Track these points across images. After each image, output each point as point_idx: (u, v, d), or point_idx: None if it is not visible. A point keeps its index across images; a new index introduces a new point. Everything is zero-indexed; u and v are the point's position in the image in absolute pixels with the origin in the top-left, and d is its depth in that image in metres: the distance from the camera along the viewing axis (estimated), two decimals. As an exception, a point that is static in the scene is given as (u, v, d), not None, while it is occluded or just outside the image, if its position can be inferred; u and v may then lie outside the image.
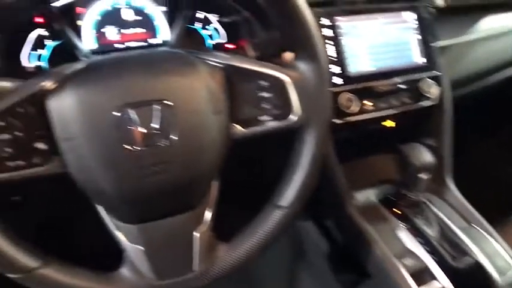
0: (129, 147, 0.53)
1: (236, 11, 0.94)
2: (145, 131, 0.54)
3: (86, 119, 0.53)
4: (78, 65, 0.59)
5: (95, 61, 0.61)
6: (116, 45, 0.95)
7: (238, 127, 0.62)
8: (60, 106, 0.53)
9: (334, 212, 1.08)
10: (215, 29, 1.00)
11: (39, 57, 0.90)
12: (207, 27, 1.00)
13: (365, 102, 0.94)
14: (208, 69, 0.60)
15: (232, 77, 0.61)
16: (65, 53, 0.89)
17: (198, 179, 0.60)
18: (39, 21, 0.89)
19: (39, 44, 0.90)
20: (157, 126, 0.54)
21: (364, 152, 1.12)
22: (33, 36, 0.89)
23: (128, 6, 0.94)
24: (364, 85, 0.94)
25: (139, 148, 0.54)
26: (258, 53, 0.74)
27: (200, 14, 0.99)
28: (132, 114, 0.53)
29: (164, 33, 0.97)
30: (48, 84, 0.54)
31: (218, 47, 1.01)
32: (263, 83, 0.62)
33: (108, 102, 0.53)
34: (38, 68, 0.90)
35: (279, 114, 0.63)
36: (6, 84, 0.62)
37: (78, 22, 0.91)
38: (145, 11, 0.95)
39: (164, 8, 0.97)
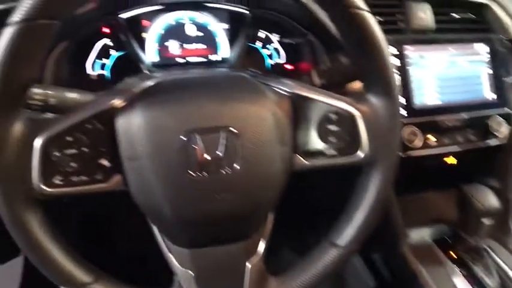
0: (192, 172, 0.53)
1: (300, 33, 0.92)
2: (209, 158, 0.53)
3: (152, 141, 0.52)
4: (147, 83, 0.59)
5: (164, 80, 0.61)
6: (177, 60, 0.95)
7: (301, 159, 0.59)
8: (128, 125, 0.53)
9: (385, 248, 1.02)
10: (275, 49, 0.99)
11: (103, 66, 0.92)
12: (267, 46, 0.98)
13: (428, 136, 0.89)
14: (275, 98, 0.57)
15: (299, 107, 0.59)
16: (127, 63, 0.91)
17: (256, 210, 0.57)
18: (106, 32, 0.91)
19: (103, 53, 0.92)
20: (221, 154, 0.53)
21: (421, 187, 1.06)
22: (99, 45, 0.91)
23: (191, 22, 0.95)
24: (428, 119, 0.89)
25: (202, 174, 0.53)
26: (324, 80, 0.71)
27: (261, 33, 0.98)
28: (199, 140, 0.52)
29: (224, 50, 0.97)
30: (118, 102, 0.55)
31: (277, 67, 0.99)
32: (331, 115, 0.59)
33: (176, 126, 0.52)
34: (101, 76, 0.92)
35: (346, 149, 0.59)
36: (75, 96, 0.63)
37: (143, 34, 0.93)
38: (208, 28, 0.95)
39: (226, 26, 0.97)
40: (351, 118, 0.59)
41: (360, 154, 0.59)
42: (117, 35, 0.90)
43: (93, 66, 0.92)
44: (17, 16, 0.45)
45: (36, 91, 0.60)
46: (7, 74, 0.46)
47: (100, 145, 0.53)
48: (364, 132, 0.59)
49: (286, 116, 0.57)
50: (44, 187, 0.51)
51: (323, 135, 0.59)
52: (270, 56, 0.99)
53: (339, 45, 0.84)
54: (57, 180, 0.52)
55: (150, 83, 0.58)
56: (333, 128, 0.59)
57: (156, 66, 0.93)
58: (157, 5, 0.93)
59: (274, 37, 0.98)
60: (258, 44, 0.98)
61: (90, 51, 0.91)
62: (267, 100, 0.56)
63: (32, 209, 0.51)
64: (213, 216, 0.54)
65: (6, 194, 0.49)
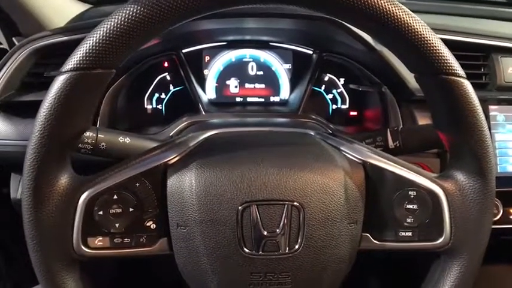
0: (246, 249, 0.47)
1: (369, 81, 0.85)
2: (267, 233, 0.47)
3: (205, 208, 0.47)
4: (203, 135, 0.55)
5: (223, 133, 0.56)
6: (236, 99, 0.91)
7: (371, 238, 0.52)
8: (179, 185, 0.48)
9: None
10: (340, 93, 0.92)
11: (160, 100, 0.90)
12: (332, 91, 0.92)
13: (509, 209, 0.78)
14: (347, 166, 0.51)
15: (373, 178, 0.51)
16: (184, 99, 0.88)
17: None
18: (166, 66, 0.89)
19: (161, 87, 0.90)
20: (280, 230, 0.47)
21: (495, 262, 0.94)
22: (158, 79, 0.89)
23: (253, 60, 0.91)
24: (511, 189, 0.78)
25: (257, 252, 0.47)
26: (398, 142, 0.63)
27: (326, 76, 0.92)
28: (257, 212, 0.47)
29: (285, 91, 0.92)
30: (171, 157, 0.50)
31: (340, 113, 0.93)
32: (410, 192, 0.51)
33: (233, 193, 0.47)
34: (157, 111, 0.90)
35: (424, 233, 0.52)
36: (127, 140, 0.60)
37: (204, 71, 0.90)
38: (271, 68, 0.91)
39: (289, 66, 0.91)
40: (434, 198, 0.50)
41: (441, 241, 0.51)
42: (177, 69, 0.88)
43: (151, 100, 0.90)
44: (71, 64, 0.42)
45: (87, 135, 0.57)
46: (58, 126, 0.43)
47: (148, 205, 0.49)
48: (448, 216, 0.50)
49: (358, 189, 0.50)
50: (84, 248, 0.48)
51: (399, 214, 0.51)
52: (334, 101, 0.93)
53: (415, 99, 0.76)
54: (99, 242, 0.48)
55: (207, 134, 0.54)
56: (411, 206, 0.51)
57: (213, 104, 0.90)
58: (220, 41, 0.90)
59: (340, 81, 0.92)
60: (322, 88, 0.92)
61: (149, 85, 0.89)
62: (337, 169, 0.50)
63: (69, 270, 0.48)
64: None
65: (44, 253, 0.46)
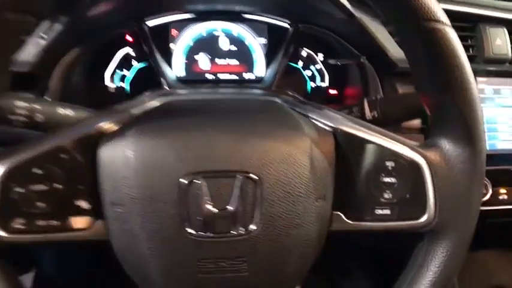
0: (191, 230, 0.40)
1: (350, 54, 0.79)
2: (217, 211, 0.40)
3: (143, 182, 0.40)
4: (151, 103, 0.47)
5: (172, 102, 0.49)
6: (206, 76, 0.84)
7: (344, 218, 0.46)
8: (113, 157, 0.41)
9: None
10: (319, 70, 0.86)
11: (123, 78, 0.82)
12: (310, 67, 0.86)
13: (499, 189, 0.73)
14: (315, 135, 0.44)
15: (345, 148, 0.45)
16: (149, 77, 0.81)
17: (276, 286, 0.44)
18: (129, 40, 0.81)
19: (125, 64, 0.82)
20: (234, 208, 0.40)
21: (482, 247, 0.89)
22: (120, 54, 0.82)
23: (225, 35, 0.84)
24: (501, 167, 0.73)
25: (205, 233, 0.40)
26: (375, 113, 0.56)
27: (304, 51, 0.85)
28: (204, 186, 0.40)
29: (260, 68, 0.85)
30: (106, 125, 0.43)
31: (319, 91, 0.86)
32: (388, 163, 0.44)
33: (175, 164, 0.40)
34: (120, 89, 0.83)
35: (405, 211, 0.45)
36: (68, 112, 0.53)
37: (171, 46, 0.82)
38: (244, 42, 0.84)
39: (264, 41, 0.85)
40: (415, 169, 0.44)
41: (424, 219, 0.45)
42: (141, 44, 0.80)
43: (113, 78, 0.82)
44: None
45: (20, 104, 0.49)
46: None
47: (78, 181, 0.41)
48: (432, 190, 0.44)
49: (327, 160, 0.43)
50: (1, 233, 0.40)
51: (375, 189, 0.45)
52: (312, 78, 0.86)
53: (397, 72, 0.70)
54: (18, 224, 0.40)
55: (154, 103, 0.47)
56: (389, 180, 0.44)
57: (181, 81, 0.83)
58: (188, 12, 0.82)
59: (319, 57, 0.85)
60: (300, 64, 0.85)
61: (109, 61, 0.82)
62: (302, 137, 0.43)
63: None
64: None
65: None
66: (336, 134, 0.45)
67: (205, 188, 0.39)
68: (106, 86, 0.82)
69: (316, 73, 0.86)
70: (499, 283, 0.86)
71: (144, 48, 0.79)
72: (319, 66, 0.86)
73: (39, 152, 0.40)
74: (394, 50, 0.70)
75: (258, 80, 0.85)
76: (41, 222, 0.41)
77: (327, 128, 0.45)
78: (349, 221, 0.45)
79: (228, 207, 0.40)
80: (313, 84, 0.86)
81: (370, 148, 0.44)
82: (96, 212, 0.42)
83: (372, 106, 0.57)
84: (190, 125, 0.42)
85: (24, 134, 0.50)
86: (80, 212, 0.42)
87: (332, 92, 0.87)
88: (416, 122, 0.68)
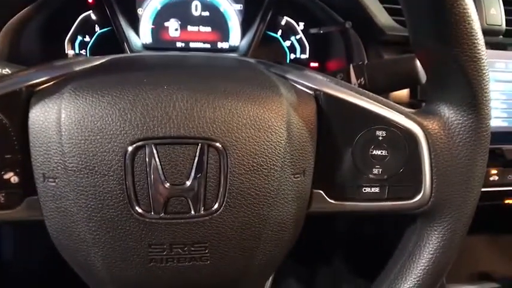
0: (140, 209, 0.33)
1: (333, 22, 0.72)
2: (170, 186, 0.33)
3: (78, 150, 0.33)
4: (96, 61, 0.40)
5: (120, 58, 0.42)
6: (176, 44, 0.76)
7: (326, 197, 0.39)
8: (46, 120, 0.33)
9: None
10: (299, 40, 0.79)
11: (84, 44, 0.75)
12: (289, 37, 0.79)
13: (489, 170, 0.68)
14: (294, 98, 0.37)
15: (329, 115, 0.38)
16: (112, 44, 0.73)
17: (245, 278, 0.38)
18: (90, 2, 0.73)
19: (85, 29, 0.74)
20: (192, 183, 0.33)
21: (469, 233, 0.85)
22: (80, 18, 0.73)
23: (198, -1, 0.76)
24: (491, 147, 0.68)
25: (156, 214, 0.33)
26: (362, 80, 0.50)
27: (283, 20, 0.78)
28: (156, 157, 0.33)
29: (235, 37, 0.78)
30: (38, 81, 0.35)
31: (298, 63, 0.79)
32: (378, 132, 0.38)
33: (119, 127, 0.33)
34: (80, 56, 0.75)
35: (397, 189, 0.39)
36: (8, 72, 0.45)
37: (139, 10, 0.74)
38: (219, 8, 0.76)
39: (240, 7, 0.77)
40: (410, 140, 0.38)
41: (418, 199, 0.39)
42: (104, 7, 0.72)
43: (73, 44, 0.74)
44: None
45: None
46: None
47: (4, 149, 0.34)
48: (428, 164, 0.38)
49: (307, 128, 0.36)
50: None
51: (362, 163, 0.38)
52: (292, 49, 0.79)
53: (383, 40, 0.64)
54: None
55: (101, 60, 0.40)
56: (378, 152, 0.38)
57: (147, 48, 0.75)
58: (156, -28, 0.75)
59: (300, 26, 0.78)
60: (278, 33, 0.78)
61: (70, 26, 0.73)
62: (278, 99, 0.36)
63: None
64: (178, 282, 0.35)
65: None
66: (318, 97, 0.38)
67: (156, 158, 0.32)
68: (65, 53, 0.74)
69: (296, 44, 0.79)
70: (487, 270, 0.82)
71: (108, 12, 0.72)
72: (300, 36, 0.79)
73: None
74: (382, 16, 0.64)
75: (233, 50, 0.78)
76: None
77: (307, 90, 0.38)
78: (332, 201, 0.39)
79: (186, 182, 0.33)
80: (292, 56, 0.80)
81: (357, 115, 0.37)
82: (27, 186, 0.35)
83: (359, 72, 0.50)
84: (140, 81, 0.35)
85: None
86: (7, 186, 0.34)
87: (313, 64, 0.80)
88: (404, 95, 0.62)
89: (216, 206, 0.34)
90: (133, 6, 0.75)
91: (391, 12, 0.65)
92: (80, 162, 0.32)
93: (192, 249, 0.34)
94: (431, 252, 0.39)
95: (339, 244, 0.89)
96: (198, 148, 0.33)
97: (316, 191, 0.38)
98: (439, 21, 0.34)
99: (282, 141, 0.34)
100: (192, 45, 0.77)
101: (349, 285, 0.90)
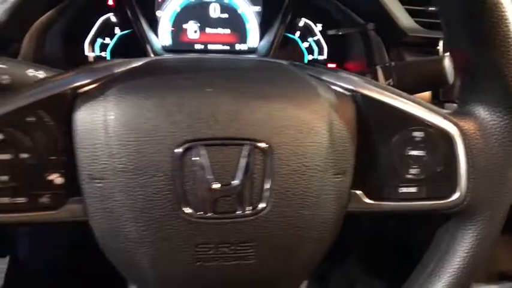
0: (188, 210, 0.33)
1: (352, 24, 0.73)
2: (219, 187, 0.33)
3: (127, 152, 0.33)
4: (135, 63, 0.41)
5: (161, 60, 0.42)
6: (195, 46, 0.77)
7: (364, 197, 0.39)
8: (92, 122, 0.34)
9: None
10: (316, 41, 0.79)
11: (104, 47, 0.75)
12: (307, 38, 0.79)
13: None
14: (333, 97, 0.37)
15: (366, 115, 0.38)
16: (133, 46, 0.73)
17: (287, 276, 0.38)
18: (110, 5, 0.74)
19: (106, 31, 0.75)
20: (239, 183, 0.34)
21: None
22: (101, 21, 0.74)
23: (215, 0, 0.77)
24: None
25: (204, 214, 0.34)
26: (391, 81, 0.50)
27: (301, 21, 0.79)
28: (204, 158, 0.33)
29: (254, 38, 0.78)
30: (84, 81, 0.36)
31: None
32: (416, 133, 0.38)
33: (168, 129, 0.33)
34: (100, 59, 0.75)
35: (433, 188, 0.39)
36: (40, 74, 0.45)
37: (157, 13, 0.75)
38: (237, 10, 0.77)
39: (258, 8, 0.78)
40: (446, 140, 0.38)
41: (454, 198, 0.39)
42: (124, 9, 0.73)
43: (93, 46, 0.75)
44: None
45: None
46: None
47: (49, 150, 0.34)
48: (465, 164, 0.38)
49: (348, 129, 0.37)
50: None
51: (399, 164, 0.39)
52: (310, 51, 0.80)
53: (405, 41, 0.64)
54: None
55: (139, 62, 0.40)
56: (416, 153, 0.38)
57: (168, 51, 0.76)
58: (176, -24, 0.75)
59: (317, 27, 0.79)
60: (296, 35, 0.79)
61: (90, 28, 0.74)
62: (319, 100, 0.36)
63: None
64: (223, 281, 0.36)
65: None
66: (355, 98, 0.38)
67: (204, 159, 0.33)
68: (86, 55, 0.75)
69: (314, 45, 0.80)
70: (506, 269, 0.82)
71: (127, 14, 0.72)
72: (317, 37, 0.79)
73: (1, 113, 0.33)
74: (403, 18, 0.64)
75: (251, 51, 0.79)
76: (4, 199, 0.34)
77: (344, 91, 0.39)
78: (369, 201, 0.39)
79: (232, 182, 0.33)
80: (310, 57, 0.80)
81: (395, 116, 0.38)
82: (70, 187, 0.35)
83: (387, 73, 0.51)
84: (186, 83, 0.35)
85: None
86: (52, 187, 0.35)
87: (331, 65, 0.81)
88: (426, 96, 0.62)
89: (261, 205, 0.34)
90: (152, 9, 0.75)
91: (411, 13, 0.66)
92: (129, 163, 0.33)
93: (238, 248, 0.34)
94: (465, 251, 0.40)
95: (356, 244, 0.90)
96: (244, 149, 0.33)
97: (353, 191, 0.39)
98: (476, 24, 0.35)
99: (325, 142, 0.35)
100: (210, 47, 0.78)
101: (364, 286, 0.91)
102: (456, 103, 0.53)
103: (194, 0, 0.76)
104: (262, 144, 0.33)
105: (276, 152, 0.33)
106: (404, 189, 0.39)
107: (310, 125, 0.34)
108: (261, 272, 0.36)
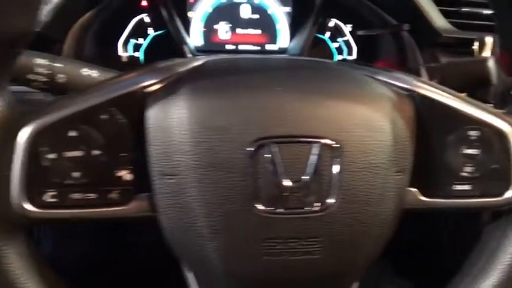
0: (260, 205, 0.34)
1: (385, 23, 0.73)
2: (291, 184, 0.34)
3: (202, 148, 0.34)
4: (195, 62, 0.41)
5: (219, 60, 0.43)
6: (226, 46, 0.78)
7: (419, 195, 0.41)
8: (165, 117, 0.35)
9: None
10: (346, 42, 0.80)
11: (137, 47, 0.76)
12: (337, 38, 0.80)
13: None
14: (393, 96, 0.38)
15: (423, 113, 0.39)
16: (166, 46, 0.74)
17: (350, 273, 0.39)
18: (144, 6, 0.75)
19: (139, 31, 0.76)
20: (309, 179, 0.34)
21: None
22: (134, 21, 0.75)
23: (246, 1, 0.78)
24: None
25: (275, 210, 0.34)
26: (436, 81, 0.51)
27: (331, 22, 0.79)
28: (276, 155, 0.34)
29: (284, 39, 0.79)
30: (151, 82, 0.37)
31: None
32: (471, 132, 0.39)
33: (241, 127, 0.34)
34: (134, 59, 0.76)
35: (487, 186, 0.40)
36: (94, 73, 0.47)
37: (189, 13, 0.76)
38: (268, 11, 0.78)
39: (288, 9, 0.79)
40: (501, 139, 0.39)
41: (508, 195, 0.40)
42: (158, 10, 0.74)
43: (126, 46, 0.76)
44: None
45: (41, 62, 0.43)
46: None
47: (120, 147, 0.36)
48: None
49: (408, 127, 0.38)
50: (28, 207, 0.34)
51: (454, 162, 0.40)
52: (339, 51, 0.81)
53: (439, 42, 0.65)
54: (49, 197, 0.34)
55: (196, 61, 0.41)
56: (471, 151, 0.39)
57: (200, 51, 0.77)
58: (207, -23, 0.76)
59: (347, 28, 0.80)
60: (326, 35, 0.80)
61: (124, 29, 0.75)
62: (382, 99, 0.37)
63: (9, 240, 0.35)
64: (288, 275, 0.36)
65: None
66: (413, 98, 0.39)
67: (277, 156, 0.34)
68: (119, 55, 0.76)
69: (343, 45, 0.80)
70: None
71: (162, 14, 0.73)
72: (347, 37, 0.80)
73: (75, 111, 0.34)
74: (438, 18, 0.65)
75: (281, 52, 0.80)
76: (75, 195, 0.35)
77: (402, 91, 0.40)
78: (424, 198, 0.40)
79: (303, 178, 0.34)
80: (339, 57, 0.81)
81: (451, 115, 0.39)
82: (138, 183, 0.36)
83: (432, 73, 0.51)
84: (255, 83, 0.36)
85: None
86: (121, 183, 0.36)
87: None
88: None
89: (330, 202, 0.35)
90: (184, 10, 0.76)
91: (445, 14, 0.66)
92: (203, 160, 0.33)
93: (305, 243, 0.35)
94: None
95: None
96: (315, 146, 0.34)
97: (409, 188, 0.40)
98: None
99: (389, 141, 0.36)
100: (241, 47, 0.79)
101: (390, 285, 0.91)
102: (492, 103, 0.53)
103: (225, 1, 0.77)
104: (332, 142, 0.34)
105: (345, 149, 0.34)
106: (458, 187, 0.40)
107: (377, 123, 0.35)
108: (325, 267, 0.36)
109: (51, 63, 0.44)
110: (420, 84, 0.39)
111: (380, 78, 0.40)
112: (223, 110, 0.34)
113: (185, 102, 0.34)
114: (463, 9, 0.66)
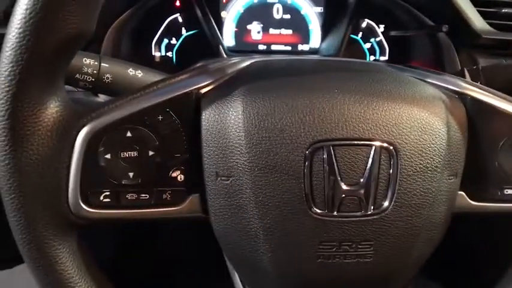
0: (315, 208, 0.34)
1: (417, 23, 0.72)
2: (345, 187, 0.34)
3: (258, 150, 0.34)
4: (243, 63, 0.42)
5: (268, 61, 0.43)
6: (259, 47, 0.78)
7: (467, 199, 0.40)
8: (220, 119, 0.35)
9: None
10: (378, 42, 0.79)
11: (170, 47, 0.77)
12: (370, 39, 0.79)
13: None
14: (448, 101, 0.38)
15: (474, 117, 0.39)
16: (198, 45, 0.75)
17: (400, 277, 0.39)
18: (177, 5, 0.75)
19: (172, 31, 0.76)
20: (366, 183, 0.34)
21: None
22: (168, 21, 0.76)
23: (278, 1, 0.78)
24: None
25: (330, 213, 0.35)
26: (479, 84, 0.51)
27: (364, 22, 0.79)
28: (333, 157, 0.34)
29: (316, 39, 0.79)
30: (206, 83, 0.37)
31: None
32: None
33: (298, 129, 0.34)
34: (166, 59, 0.77)
35: None
36: (140, 74, 0.47)
37: (222, 14, 0.76)
38: (300, 11, 0.78)
39: (320, 9, 0.78)
40: None
41: None
42: (191, 10, 0.74)
43: (159, 46, 0.77)
44: None
45: (89, 62, 0.44)
46: (44, 22, 0.29)
47: (174, 148, 0.36)
48: None
49: (461, 131, 0.37)
50: (84, 207, 0.35)
51: (507, 166, 0.39)
52: (372, 51, 0.80)
53: (478, 44, 0.64)
54: (104, 198, 0.35)
55: (248, 61, 0.41)
56: None
57: (232, 52, 0.77)
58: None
59: (379, 28, 0.79)
60: (359, 36, 0.79)
61: (157, 28, 0.76)
62: (436, 102, 0.37)
63: (63, 239, 0.35)
64: (340, 278, 0.36)
65: (27, 214, 0.33)
66: (465, 101, 0.39)
67: (333, 159, 0.34)
68: (153, 55, 0.76)
69: (376, 46, 0.80)
70: None
71: (195, 14, 0.74)
72: (380, 38, 0.79)
73: (131, 112, 0.35)
74: (477, 20, 0.64)
75: (313, 52, 0.79)
76: (130, 196, 0.35)
77: (453, 93, 0.39)
78: (473, 202, 0.40)
79: (359, 182, 0.34)
80: (372, 58, 0.80)
81: (504, 119, 0.39)
82: (191, 184, 0.37)
83: (475, 76, 0.51)
84: (310, 84, 0.36)
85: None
86: (174, 184, 0.36)
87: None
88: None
89: (385, 205, 0.35)
90: (217, 10, 0.77)
91: (483, 15, 0.65)
92: (261, 162, 0.34)
93: (359, 246, 0.35)
94: None
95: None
96: (372, 149, 0.34)
97: (459, 192, 0.40)
98: None
99: (444, 144, 0.36)
100: (273, 47, 0.79)
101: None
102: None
103: (257, 1, 0.77)
104: (389, 145, 0.34)
105: (402, 152, 0.34)
106: (509, 191, 0.39)
107: (433, 126, 0.35)
108: (377, 270, 0.36)
109: (98, 63, 0.44)
110: (471, 87, 0.39)
111: (430, 80, 0.40)
112: (280, 111, 0.34)
113: (241, 104, 0.34)
114: (503, 10, 0.65)
